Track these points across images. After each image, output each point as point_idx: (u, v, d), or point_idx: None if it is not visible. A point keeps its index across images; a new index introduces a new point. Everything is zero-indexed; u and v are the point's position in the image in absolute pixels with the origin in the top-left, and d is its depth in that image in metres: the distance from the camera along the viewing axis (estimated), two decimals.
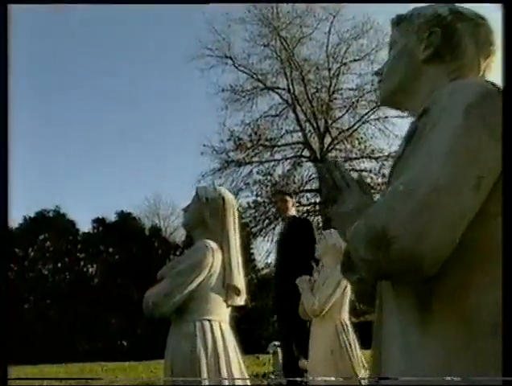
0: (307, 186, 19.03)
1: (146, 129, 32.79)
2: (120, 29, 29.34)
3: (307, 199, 19.11)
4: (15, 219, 24.72)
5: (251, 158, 18.26)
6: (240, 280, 2.07)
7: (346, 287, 3.27)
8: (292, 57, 19.85)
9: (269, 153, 18.92)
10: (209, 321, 1.95)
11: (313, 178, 19.09)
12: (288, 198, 4.79)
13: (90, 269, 22.05)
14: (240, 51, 19.91)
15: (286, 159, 19.21)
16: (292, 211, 4.74)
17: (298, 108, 19.64)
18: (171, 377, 1.90)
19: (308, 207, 18.86)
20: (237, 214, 2.22)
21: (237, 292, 2.07)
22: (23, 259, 21.78)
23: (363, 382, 3.03)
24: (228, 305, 2.06)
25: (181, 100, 34.66)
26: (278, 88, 20.18)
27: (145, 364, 9.94)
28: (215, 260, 1.96)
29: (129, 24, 27.58)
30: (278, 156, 19.16)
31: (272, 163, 18.76)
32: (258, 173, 17.96)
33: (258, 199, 17.19)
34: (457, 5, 1.00)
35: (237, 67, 19.81)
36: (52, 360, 12.87)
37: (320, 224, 19.30)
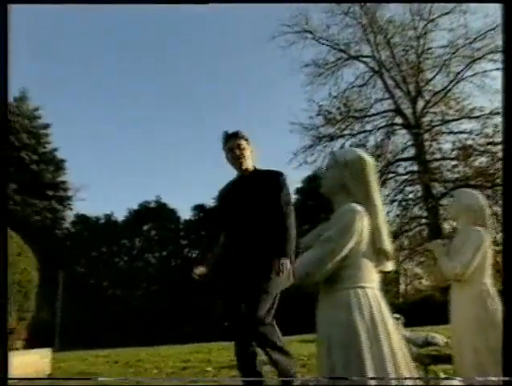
0: (404, 155, 18.27)
1: (233, 113, 33.19)
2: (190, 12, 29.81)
3: (405, 168, 18.37)
4: (120, 213, 26.38)
5: (342, 131, 17.86)
6: (389, 243, 1.93)
7: (487, 249, 3.00)
8: (374, 21, 18.99)
9: (359, 125, 18.38)
10: (363, 288, 1.83)
11: (409, 146, 18.28)
12: (244, 143, 3.33)
13: (194, 255, 22.92)
14: (319, 23, 19.42)
15: (378, 129, 18.55)
16: (250, 162, 3.37)
17: (385, 74, 18.84)
18: (327, 349, 1.80)
19: (406, 177, 18.12)
20: (376, 175, 2.08)
21: (388, 256, 1.93)
22: (131, 249, 23.18)
23: None
24: (378, 271, 1.93)
25: (264, 79, 34.69)
26: (363, 56, 19.47)
27: None
28: (364, 223, 1.84)
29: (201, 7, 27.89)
30: (369, 126, 18.57)
31: (364, 134, 18.22)
32: (350, 146, 17.53)
33: None
34: None
35: (317, 40, 19.37)
36: (165, 342, 13.54)
37: (419, 193, 18.49)
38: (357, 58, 19.34)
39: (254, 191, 3.17)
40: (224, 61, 34.22)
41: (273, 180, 3.22)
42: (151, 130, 35.28)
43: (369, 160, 2.03)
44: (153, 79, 34.78)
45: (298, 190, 21.65)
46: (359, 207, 1.85)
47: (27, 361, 5.39)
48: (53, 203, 23.46)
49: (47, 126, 24.82)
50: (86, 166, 34.70)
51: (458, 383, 3.11)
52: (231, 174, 3.42)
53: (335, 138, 17.73)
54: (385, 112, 18.93)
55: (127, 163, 35.12)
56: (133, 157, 34.93)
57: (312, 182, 20.07)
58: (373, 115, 18.75)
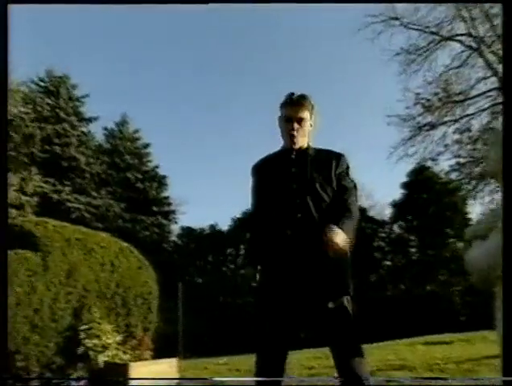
0: None
1: (325, 114, 33.01)
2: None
3: None
4: (225, 222, 27.07)
5: (442, 117, 16.83)
6: None
7: None
8: None
9: (461, 109, 17.20)
10: None
11: None
12: (308, 115, 2.58)
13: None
14: (405, 8, 18.50)
15: (483, 111, 17.22)
16: (306, 139, 2.61)
17: (485, 50, 17.47)
18: None
19: None
20: None
21: None
22: (236, 257, 23.65)
23: None
24: None
25: (355, 73, 33.97)
26: (457, 34, 18.22)
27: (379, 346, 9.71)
28: None
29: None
30: (471, 109, 17.29)
31: (467, 118, 17.02)
32: (454, 132, 16.49)
33: (460, 160, 15.82)
34: None
35: (405, 26, 18.45)
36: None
37: None
38: (450, 38, 18.16)
39: (314, 174, 2.47)
40: (312, 61, 34.05)
41: (335, 162, 2.51)
42: (248, 137, 35.92)
43: None
44: (242, 84, 35.45)
45: (403, 185, 20.87)
46: None
47: (157, 370, 5.54)
48: (159, 218, 24.67)
49: (147, 146, 26.22)
50: (187, 180, 36.13)
51: None
52: None
53: (436, 126, 16.75)
54: (488, 91, 17.54)
55: (227, 172, 36.05)
56: (232, 164, 35.76)
57: (418, 174, 19.21)
58: (476, 96, 17.46)
